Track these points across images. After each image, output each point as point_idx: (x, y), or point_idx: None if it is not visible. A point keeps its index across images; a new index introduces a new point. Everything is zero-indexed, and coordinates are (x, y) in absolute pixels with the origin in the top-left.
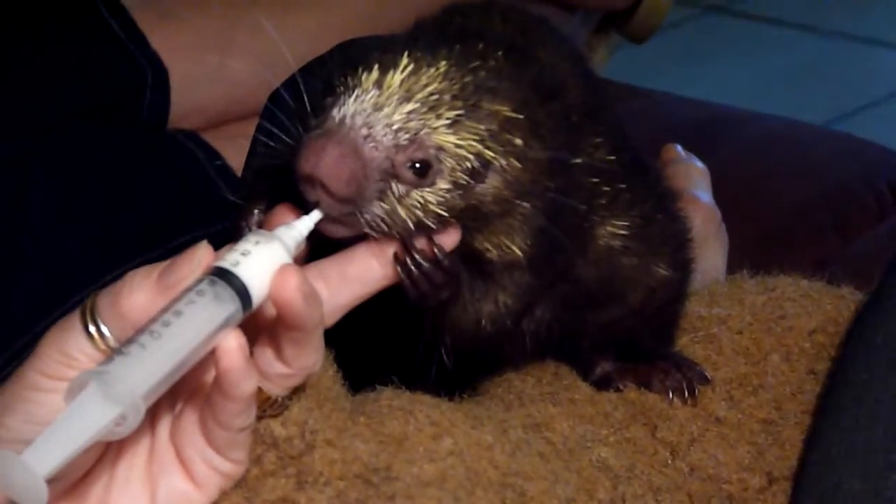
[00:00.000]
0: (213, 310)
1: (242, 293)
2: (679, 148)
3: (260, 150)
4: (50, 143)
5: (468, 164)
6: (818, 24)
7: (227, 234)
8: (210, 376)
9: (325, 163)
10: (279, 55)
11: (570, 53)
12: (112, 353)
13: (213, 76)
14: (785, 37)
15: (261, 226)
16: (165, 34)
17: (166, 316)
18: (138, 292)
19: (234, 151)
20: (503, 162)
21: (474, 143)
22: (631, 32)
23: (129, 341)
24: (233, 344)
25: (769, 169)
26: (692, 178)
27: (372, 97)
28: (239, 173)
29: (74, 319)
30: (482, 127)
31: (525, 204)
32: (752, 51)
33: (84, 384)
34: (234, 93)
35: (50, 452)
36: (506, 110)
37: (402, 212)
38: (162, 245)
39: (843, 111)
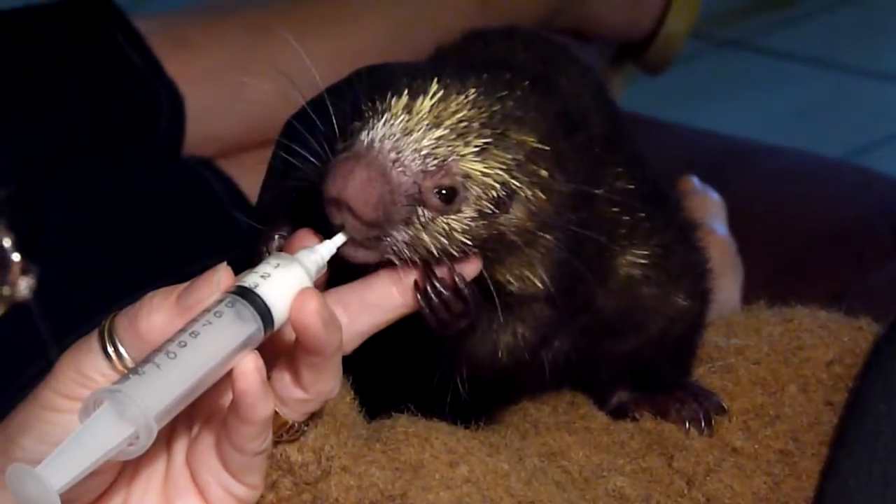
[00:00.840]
0: (232, 330)
1: (263, 313)
2: (695, 179)
3: (281, 172)
4: (64, 172)
5: (494, 193)
6: (833, 59)
7: (243, 262)
8: (227, 399)
9: (353, 185)
10: (295, 83)
11: (592, 82)
12: (128, 372)
13: (228, 104)
14: (800, 72)
15: (281, 251)
16: (181, 61)
17: (183, 336)
18: (157, 313)
19: (250, 180)
20: (528, 193)
21: (501, 173)
22: (647, 63)
23: (146, 361)
24: (250, 366)
25: (785, 201)
26: (708, 209)
27: (401, 122)
28: (254, 202)
29: (93, 340)
30: (509, 156)
31: (547, 236)
32: (767, 86)
33: (98, 402)
34: (249, 121)
35: (63, 467)
36: (532, 141)
37: (426, 238)
38: (176, 273)
39: (858, 146)
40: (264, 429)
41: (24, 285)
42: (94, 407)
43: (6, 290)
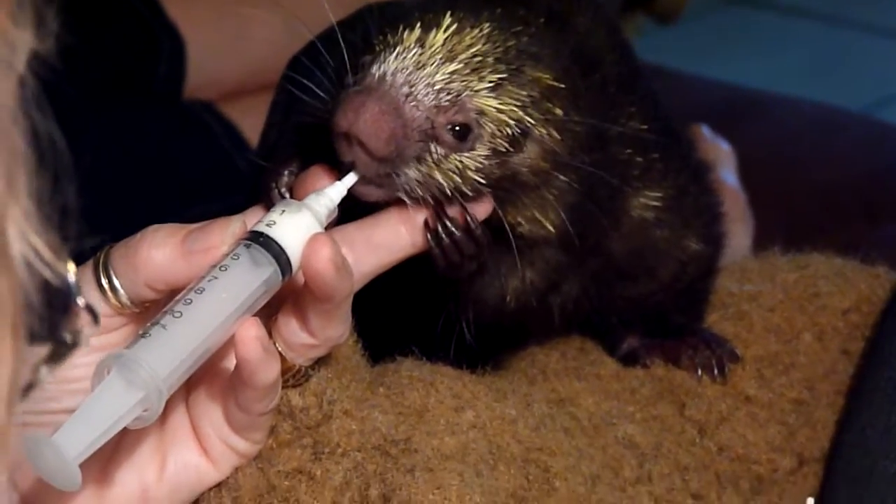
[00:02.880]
0: (244, 279)
1: (278, 256)
2: (706, 128)
3: (286, 107)
4: (62, 116)
5: (508, 131)
6: (844, 15)
7: (247, 204)
8: (232, 358)
9: (365, 119)
10: (299, 27)
11: (606, 21)
12: (140, 334)
13: (230, 47)
14: (811, 28)
15: (291, 188)
16: (182, 4)
17: (189, 294)
18: (158, 249)
19: (251, 123)
20: (543, 131)
21: (515, 109)
22: (658, 12)
23: (153, 322)
24: (251, 333)
25: (797, 152)
26: (718, 159)
27: (414, 55)
28: (255, 146)
29: (87, 271)
30: (524, 93)
31: (561, 177)
32: (778, 42)
33: (109, 368)
34: (251, 63)
35: (80, 437)
36: (548, 78)
37: (439, 176)
38: (175, 217)
39: (870, 102)
40: (269, 392)
41: None
42: (107, 373)
43: None
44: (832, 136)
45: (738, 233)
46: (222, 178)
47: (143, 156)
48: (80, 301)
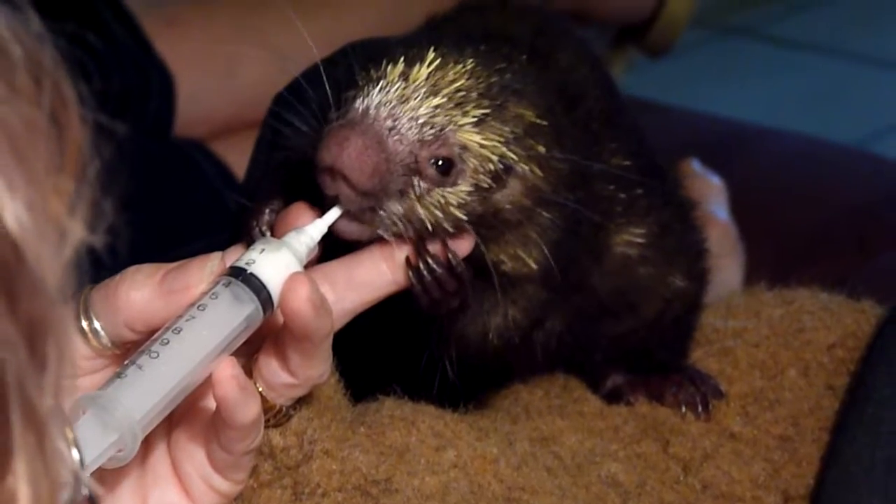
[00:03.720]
0: (225, 316)
1: (259, 291)
2: (696, 162)
3: (270, 144)
4: None
5: (490, 167)
6: (840, 47)
7: (231, 242)
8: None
9: (349, 153)
10: (288, 63)
11: (588, 56)
12: (115, 375)
13: (220, 84)
14: (807, 60)
15: (273, 226)
16: (172, 41)
17: (167, 334)
18: (138, 290)
19: (241, 161)
20: (525, 168)
21: (498, 145)
22: (649, 47)
23: (129, 363)
24: (227, 373)
25: (788, 186)
26: (709, 193)
27: (398, 89)
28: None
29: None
30: (507, 129)
31: (544, 214)
32: (774, 74)
33: (84, 409)
34: (240, 101)
35: None
36: (531, 115)
37: (421, 211)
38: (164, 256)
39: (866, 134)
40: (251, 431)
41: None
42: (82, 413)
43: None
44: (824, 169)
45: (730, 267)
46: (212, 216)
47: (132, 194)
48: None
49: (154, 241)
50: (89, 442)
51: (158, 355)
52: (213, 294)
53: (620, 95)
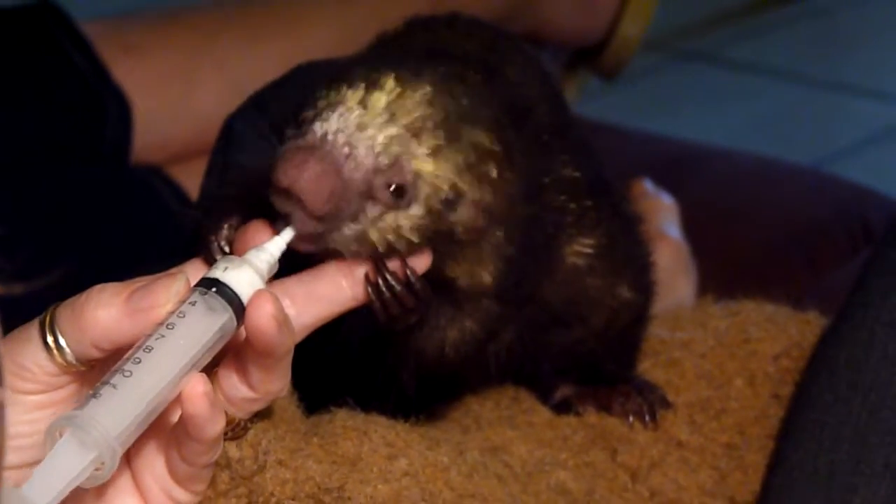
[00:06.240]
0: (197, 329)
1: (231, 301)
2: (648, 182)
3: (222, 168)
4: (7, 180)
5: (442, 195)
6: (797, 71)
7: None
8: (177, 410)
9: (306, 178)
10: (244, 87)
11: (536, 70)
12: (91, 393)
13: (177, 110)
14: (763, 84)
15: (231, 242)
16: (128, 67)
17: (138, 353)
18: (104, 309)
19: (198, 186)
20: (477, 193)
21: (451, 175)
22: (601, 68)
23: (103, 382)
24: (198, 390)
25: (739, 205)
26: (661, 213)
27: (356, 116)
28: None
29: (32, 330)
30: (461, 157)
31: (497, 232)
32: (730, 98)
33: (62, 430)
34: (198, 126)
35: (35, 499)
36: (485, 141)
37: (373, 234)
38: (123, 279)
39: (821, 157)
40: (214, 445)
41: None
42: (59, 435)
43: None
44: (774, 187)
45: (682, 285)
46: (170, 241)
47: (91, 221)
48: None
49: (113, 269)
50: (67, 461)
51: (132, 374)
52: (180, 313)
53: (568, 109)
